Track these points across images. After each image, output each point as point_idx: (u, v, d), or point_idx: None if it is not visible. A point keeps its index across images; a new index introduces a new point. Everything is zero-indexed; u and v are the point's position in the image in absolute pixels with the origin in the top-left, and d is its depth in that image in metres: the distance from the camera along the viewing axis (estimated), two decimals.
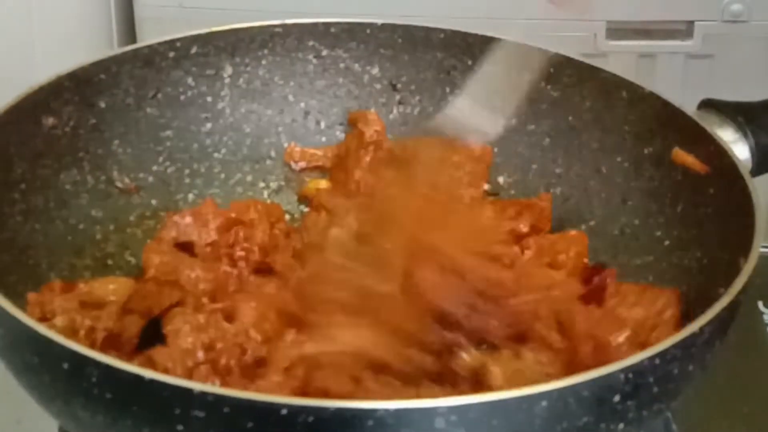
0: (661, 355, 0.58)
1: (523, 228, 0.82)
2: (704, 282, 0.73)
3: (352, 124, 0.90)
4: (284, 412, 0.54)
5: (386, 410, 0.54)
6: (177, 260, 0.73)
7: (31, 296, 0.72)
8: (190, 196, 0.88)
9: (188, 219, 0.79)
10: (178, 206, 0.86)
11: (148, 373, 0.55)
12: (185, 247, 0.78)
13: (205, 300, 0.71)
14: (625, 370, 0.57)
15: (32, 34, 1.05)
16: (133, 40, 1.19)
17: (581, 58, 0.88)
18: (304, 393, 0.65)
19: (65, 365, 0.58)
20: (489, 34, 0.89)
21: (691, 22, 1.16)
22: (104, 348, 0.70)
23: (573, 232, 0.83)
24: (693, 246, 0.77)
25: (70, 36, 1.13)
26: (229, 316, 0.69)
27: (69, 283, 0.75)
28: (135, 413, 0.57)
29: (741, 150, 0.80)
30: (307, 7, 1.05)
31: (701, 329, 0.60)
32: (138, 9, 1.17)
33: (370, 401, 0.55)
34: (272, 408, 0.54)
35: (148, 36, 1.13)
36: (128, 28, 1.20)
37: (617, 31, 1.17)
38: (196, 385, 0.55)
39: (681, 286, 0.76)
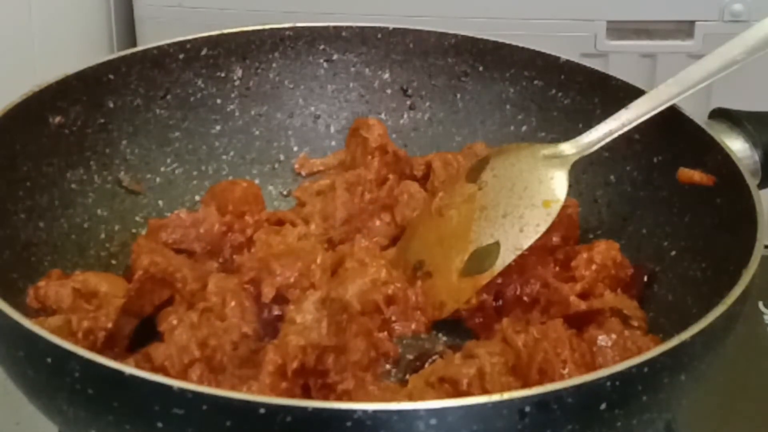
0: (650, 363, 0.57)
1: (555, 240, 0.81)
2: (708, 293, 0.72)
3: (354, 132, 0.89)
4: (262, 411, 0.53)
5: (364, 411, 0.53)
6: (166, 261, 0.73)
7: (31, 290, 0.72)
8: (197, 198, 0.88)
9: (188, 224, 0.79)
10: (185, 207, 0.86)
11: (128, 369, 0.55)
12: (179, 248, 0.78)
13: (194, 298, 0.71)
14: (611, 378, 0.56)
15: (32, 34, 1.05)
16: (133, 40, 1.20)
17: (581, 59, 0.87)
18: (293, 394, 0.65)
19: (49, 360, 0.58)
20: (501, 40, 0.89)
21: (692, 22, 1.15)
22: (102, 348, 0.70)
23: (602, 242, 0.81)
24: (699, 256, 0.76)
25: (69, 36, 1.13)
26: (220, 314, 0.69)
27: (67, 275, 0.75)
28: (116, 409, 0.56)
29: (750, 160, 0.79)
30: (307, 7, 1.05)
31: (692, 338, 0.59)
32: (138, 9, 1.17)
33: (349, 402, 0.55)
34: (250, 407, 0.54)
35: (148, 36, 1.14)
36: (128, 28, 1.21)
37: (617, 31, 1.16)
38: (174, 383, 0.54)
39: (686, 296, 0.75)
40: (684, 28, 1.16)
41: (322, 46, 0.91)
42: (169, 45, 0.87)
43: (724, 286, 0.66)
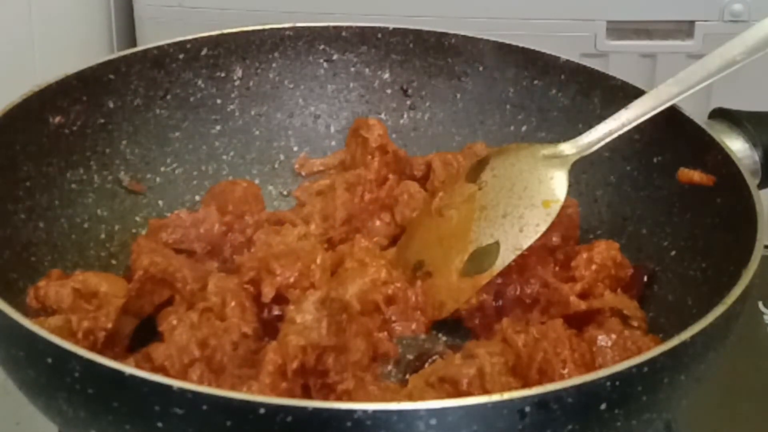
0: (650, 363, 0.57)
1: (555, 240, 0.80)
2: (708, 292, 0.72)
3: (354, 132, 0.89)
4: (262, 411, 0.53)
5: (364, 411, 0.53)
6: (166, 261, 0.73)
7: (31, 290, 0.72)
8: (197, 198, 0.88)
9: (188, 224, 0.79)
10: (185, 207, 0.86)
11: (128, 369, 0.55)
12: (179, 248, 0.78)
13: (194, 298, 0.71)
14: (611, 378, 0.56)
15: (32, 34, 1.05)
16: (133, 40, 1.20)
17: (581, 59, 0.87)
18: (294, 394, 0.65)
19: (49, 360, 0.58)
20: (501, 40, 0.89)
21: (692, 22, 1.15)
22: (102, 348, 0.70)
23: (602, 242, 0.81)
24: (699, 256, 0.76)
25: (70, 36, 1.13)
26: (220, 314, 0.69)
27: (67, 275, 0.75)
28: (116, 409, 0.56)
29: (750, 160, 0.79)
30: (307, 8, 1.05)
31: (692, 338, 0.59)
32: (138, 9, 1.17)
33: (349, 402, 0.55)
34: (250, 407, 0.54)
35: (148, 36, 1.14)
36: (128, 29, 1.20)
37: (617, 31, 1.16)
38: (174, 382, 0.54)
39: (686, 296, 0.75)
40: (684, 28, 1.16)
41: (322, 46, 0.91)
42: (169, 45, 0.87)
43: (724, 286, 0.66)
